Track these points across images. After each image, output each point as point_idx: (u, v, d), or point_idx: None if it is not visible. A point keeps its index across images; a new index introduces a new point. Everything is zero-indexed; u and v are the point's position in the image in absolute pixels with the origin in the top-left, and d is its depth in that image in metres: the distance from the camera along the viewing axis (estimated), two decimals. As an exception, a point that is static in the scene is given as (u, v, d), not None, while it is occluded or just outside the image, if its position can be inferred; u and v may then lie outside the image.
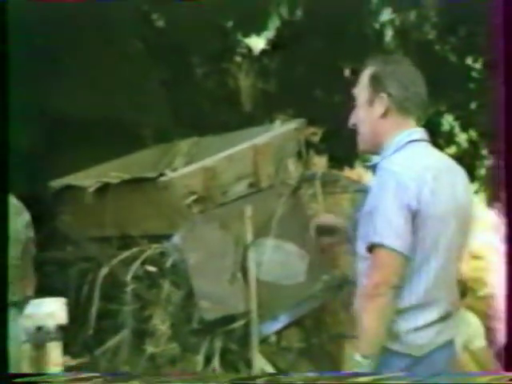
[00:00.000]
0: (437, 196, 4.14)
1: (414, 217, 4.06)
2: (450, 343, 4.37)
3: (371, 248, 4.09)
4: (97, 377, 5.05)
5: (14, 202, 6.44)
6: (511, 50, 5.12)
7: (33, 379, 5.22)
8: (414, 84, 4.28)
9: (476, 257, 11.59)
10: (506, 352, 5.12)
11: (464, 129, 10.88)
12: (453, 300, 4.36)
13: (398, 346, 4.19)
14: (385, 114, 4.26)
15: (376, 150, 4.33)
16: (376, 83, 4.29)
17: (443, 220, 4.15)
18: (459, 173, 4.40)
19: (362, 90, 4.36)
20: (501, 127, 5.12)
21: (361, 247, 4.23)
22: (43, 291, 7.08)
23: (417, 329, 4.20)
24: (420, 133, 4.29)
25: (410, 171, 4.12)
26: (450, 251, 4.22)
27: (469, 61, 10.66)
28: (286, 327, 7.80)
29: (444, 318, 4.26)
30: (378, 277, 4.05)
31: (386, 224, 4.06)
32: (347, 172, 10.36)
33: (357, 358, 4.11)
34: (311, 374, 5.05)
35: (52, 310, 6.95)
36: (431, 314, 4.23)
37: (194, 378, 5.45)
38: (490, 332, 8.25)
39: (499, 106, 5.10)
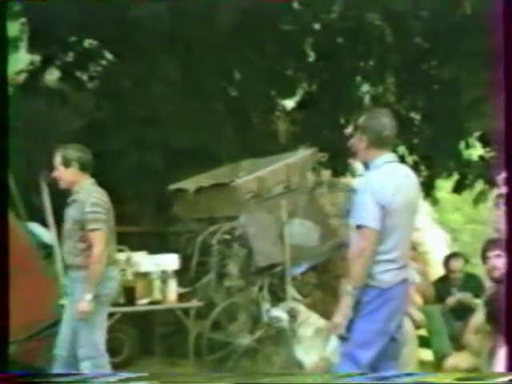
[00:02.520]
0: (396, 197, 5.00)
1: (382, 209, 4.94)
2: (404, 281, 5.12)
3: (358, 227, 5.01)
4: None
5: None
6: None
7: (32, 379, 5.22)
8: (387, 129, 5.10)
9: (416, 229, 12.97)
10: (506, 352, 4.92)
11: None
12: (407, 256, 5.18)
13: (373, 282, 5.02)
14: (367, 148, 5.11)
15: (366, 162, 5.21)
16: (361, 131, 5.13)
17: (399, 211, 5.01)
18: (413, 179, 5.27)
19: (354, 132, 5.20)
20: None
21: (352, 225, 5.08)
22: (166, 250, 8.06)
23: (384, 271, 5.02)
24: (391, 157, 5.15)
25: (382, 181, 5.03)
26: (404, 229, 5.08)
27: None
28: (306, 271, 9.14)
29: (402, 267, 5.09)
30: (362, 244, 4.97)
31: (366, 212, 4.97)
32: (342, 179, 11.75)
33: (349, 289, 4.99)
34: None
35: (171, 261, 7.83)
36: (393, 264, 5.05)
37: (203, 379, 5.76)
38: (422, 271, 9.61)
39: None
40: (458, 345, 7.54)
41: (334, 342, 5.82)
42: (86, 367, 6.15)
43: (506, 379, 4.70)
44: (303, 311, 7.34)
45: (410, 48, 10.39)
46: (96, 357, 6.22)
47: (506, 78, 5.16)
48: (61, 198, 8.02)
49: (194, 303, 7.76)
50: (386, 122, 5.19)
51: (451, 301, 8.81)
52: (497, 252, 6.52)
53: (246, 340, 8.31)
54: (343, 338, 5.07)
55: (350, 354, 5.11)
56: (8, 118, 5.39)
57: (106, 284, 6.19)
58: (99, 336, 6.26)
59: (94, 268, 6.09)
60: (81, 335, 6.21)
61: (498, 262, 6.49)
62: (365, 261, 4.99)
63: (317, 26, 10.79)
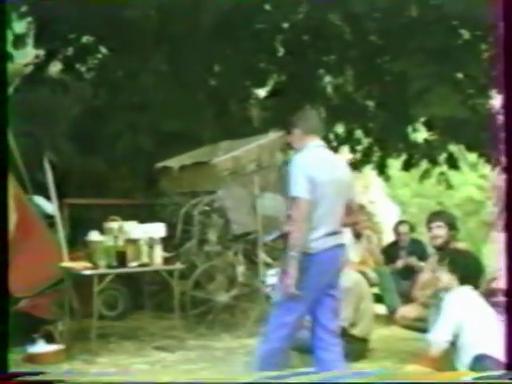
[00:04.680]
0: (321, 172, 5.05)
1: (310, 181, 4.96)
2: (335, 246, 5.12)
3: (293, 198, 5.04)
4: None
5: None
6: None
7: (33, 379, 5.00)
8: (313, 122, 5.33)
9: (372, 202, 13.12)
10: (506, 351, 4.71)
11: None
12: (338, 225, 5.14)
13: (305, 248, 4.99)
14: (299, 137, 5.28)
15: (302, 148, 5.25)
16: (294, 126, 5.32)
17: (325, 185, 5.02)
18: (339, 161, 5.50)
19: (289, 129, 5.37)
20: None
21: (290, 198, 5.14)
22: (154, 219, 7.92)
23: (313, 239, 5.00)
24: (319, 143, 5.27)
25: (308, 158, 5.13)
26: (332, 201, 5.07)
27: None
28: (275, 238, 8.54)
29: (330, 234, 5.07)
30: (297, 213, 4.96)
31: (297, 185, 5.01)
32: None
33: (291, 253, 4.91)
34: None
35: (157, 229, 7.58)
36: (321, 232, 5.02)
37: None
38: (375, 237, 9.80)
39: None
40: (406, 300, 7.58)
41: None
42: None
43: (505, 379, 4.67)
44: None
45: (366, 45, 10.42)
46: None
47: (505, 78, 4.88)
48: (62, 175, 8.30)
49: (178, 266, 7.70)
50: (312, 117, 5.45)
51: (400, 263, 9.02)
52: (438, 223, 6.56)
53: (223, 297, 8.33)
54: (296, 296, 5.02)
55: (273, 314, 5.22)
56: (7, 109, 5.14)
57: None
58: None
59: None
60: None
61: (440, 231, 6.47)
62: (301, 226, 4.96)
63: (285, 25, 10.81)
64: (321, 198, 5.03)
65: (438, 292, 5.71)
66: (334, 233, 5.15)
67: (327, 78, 11.39)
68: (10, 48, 8.17)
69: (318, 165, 5.12)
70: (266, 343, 5.23)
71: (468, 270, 5.48)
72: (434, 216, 6.72)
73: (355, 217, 5.72)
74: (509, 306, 4.81)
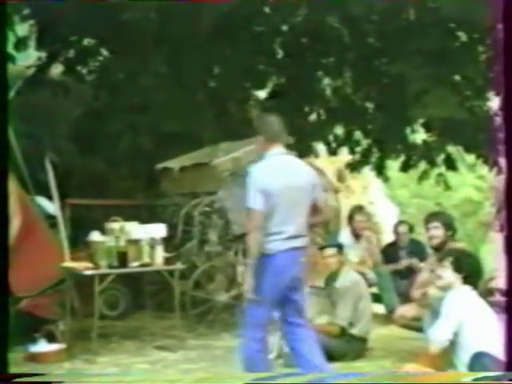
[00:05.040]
0: (274, 181, 5.17)
1: (263, 192, 5.13)
2: (294, 249, 5.24)
3: (247, 209, 5.27)
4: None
5: None
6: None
7: (32, 379, 4.97)
8: (274, 129, 5.35)
9: (371, 203, 13.10)
10: (506, 352, 4.71)
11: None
12: (300, 228, 5.26)
13: (263, 250, 5.15)
14: (262, 144, 5.36)
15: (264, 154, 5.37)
16: (257, 131, 5.39)
17: (280, 193, 5.16)
18: (298, 167, 5.43)
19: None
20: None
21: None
22: (155, 220, 7.92)
23: (270, 242, 5.15)
24: (280, 150, 5.35)
25: (263, 172, 5.24)
26: (289, 207, 5.19)
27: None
28: None
29: (290, 237, 5.20)
30: (249, 223, 5.25)
31: (252, 197, 5.22)
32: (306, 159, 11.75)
33: (248, 261, 5.22)
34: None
35: (158, 230, 7.55)
36: (279, 236, 5.15)
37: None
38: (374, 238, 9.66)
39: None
40: (404, 300, 7.54)
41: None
42: None
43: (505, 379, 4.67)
44: None
45: (364, 47, 10.42)
46: None
47: (505, 78, 4.87)
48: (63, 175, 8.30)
49: (178, 266, 7.72)
50: (275, 124, 5.44)
51: (403, 263, 9.04)
52: (435, 224, 6.58)
53: (223, 297, 8.34)
54: (256, 301, 5.16)
55: (247, 310, 5.36)
56: (7, 112, 5.03)
57: None
58: None
59: None
60: None
61: (436, 231, 6.51)
62: (255, 236, 5.16)
63: (284, 28, 10.83)
64: (276, 206, 5.19)
65: (436, 292, 5.70)
66: (295, 236, 5.28)
67: (326, 80, 11.38)
68: (12, 50, 8.19)
69: (272, 175, 5.26)
70: (246, 345, 5.38)
71: (472, 269, 5.49)
72: (431, 217, 6.74)
73: (324, 215, 5.75)
74: (509, 306, 4.84)
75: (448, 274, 5.49)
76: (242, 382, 5.08)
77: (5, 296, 4.91)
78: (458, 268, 5.47)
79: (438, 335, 5.25)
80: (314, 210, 5.43)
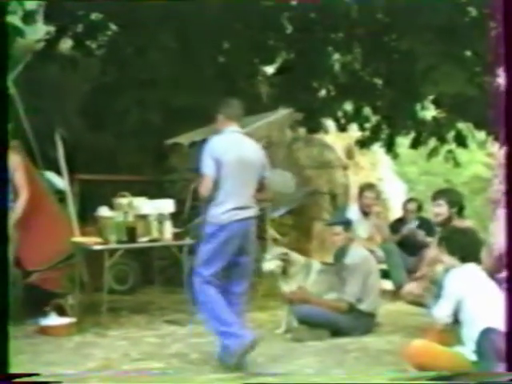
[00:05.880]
0: (227, 153, 5.76)
1: (216, 161, 5.72)
2: (244, 219, 5.81)
3: (201, 174, 5.81)
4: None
5: None
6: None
7: (32, 379, 5.00)
8: (235, 110, 6.06)
9: (380, 179, 13.06)
10: (506, 352, 4.73)
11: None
12: (248, 199, 5.87)
13: (213, 219, 5.83)
14: (221, 122, 6.04)
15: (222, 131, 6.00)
16: (219, 110, 6.05)
17: (231, 165, 5.76)
18: (250, 145, 6.02)
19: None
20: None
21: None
22: (164, 195, 8.06)
23: (222, 212, 5.76)
24: (236, 129, 6.00)
25: (216, 142, 5.86)
26: (240, 179, 5.79)
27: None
28: (283, 214, 9.47)
29: (240, 208, 5.78)
30: (203, 187, 5.81)
31: (205, 163, 5.77)
32: (315, 135, 11.77)
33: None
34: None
35: (167, 205, 7.71)
36: (230, 206, 5.76)
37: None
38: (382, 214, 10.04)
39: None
40: (412, 276, 7.65)
41: None
42: None
43: (505, 379, 4.74)
44: (290, 253, 7.29)
45: (373, 22, 10.31)
46: None
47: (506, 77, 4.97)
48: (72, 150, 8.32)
49: (187, 241, 7.79)
50: (234, 105, 6.13)
51: (407, 231, 9.05)
52: (440, 201, 6.62)
53: (232, 272, 8.40)
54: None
55: (196, 271, 5.94)
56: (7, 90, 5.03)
57: None
58: None
59: None
60: None
61: (440, 209, 6.56)
62: (205, 197, 5.84)
63: (293, 2, 10.72)
64: (227, 176, 5.77)
65: (442, 269, 5.71)
66: (244, 207, 5.85)
67: (335, 56, 11.26)
68: (20, 23, 8.17)
69: (225, 147, 5.85)
70: (200, 294, 5.91)
71: (466, 250, 5.45)
72: (437, 194, 6.78)
73: (267, 194, 6.28)
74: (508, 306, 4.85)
75: (446, 257, 5.51)
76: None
77: (5, 297, 4.92)
78: (451, 250, 5.47)
79: (438, 312, 5.31)
80: (259, 187, 6.04)
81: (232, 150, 5.85)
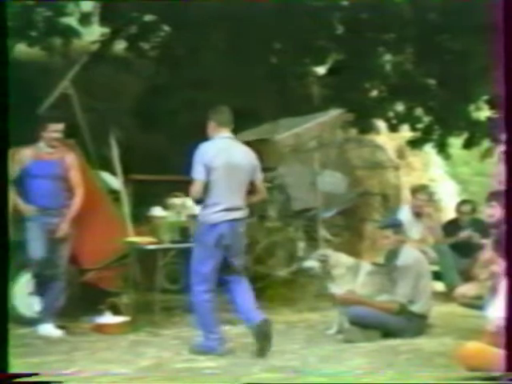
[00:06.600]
0: (216, 159, 6.05)
1: (205, 166, 6.04)
2: (233, 220, 6.11)
3: (192, 178, 6.14)
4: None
5: None
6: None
7: (32, 379, 4.97)
8: (225, 116, 6.30)
9: (432, 180, 12.95)
10: (506, 352, 4.73)
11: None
12: (238, 201, 6.13)
13: (204, 219, 6.14)
14: (212, 128, 6.27)
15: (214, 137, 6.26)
16: (210, 117, 6.29)
17: (220, 169, 6.05)
18: (241, 150, 6.30)
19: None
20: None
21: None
22: None
23: (212, 213, 6.08)
24: (227, 134, 6.27)
25: (206, 148, 6.13)
26: (229, 183, 6.08)
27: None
28: (335, 215, 9.31)
29: (228, 209, 6.07)
30: (194, 191, 6.17)
31: (196, 169, 6.10)
32: (366, 136, 11.89)
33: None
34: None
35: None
36: (219, 207, 6.06)
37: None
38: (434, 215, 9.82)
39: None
40: (465, 278, 7.65)
41: None
42: None
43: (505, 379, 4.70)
44: (332, 254, 7.29)
45: (425, 23, 10.28)
46: None
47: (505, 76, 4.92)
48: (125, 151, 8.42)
49: (239, 241, 7.81)
50: (224, 112, 6.34)
51: (464, 235, 8.98)
52: (492, 202, 6.59)
53: (283, 272, 8.48)
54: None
55: (193, 270, 6.31)
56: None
57: None
58: None
59: None
60: None
61: (492, 210, 6.56)
62: (195, 200, 6.33)
63: (344, 3, 10.70)
64: (216, 180, 6.06)
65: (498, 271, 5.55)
66: (233, 208, 6.13)
67: (387, 56, 11.28)
68: (77, 25, 8.31)
69: (216, 153, 6.12)
70: (196, 297, 6.33)
71: None
72: (490, 196, 6.76)
73: (261, 195, 6.52)
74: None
75: (500, 259, 5.38)
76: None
77: (4, 296, 4.95)
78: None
79: (493, 314, 5.20)
80: (253, 189, 6.32)
81: (221, 155, 6.12)
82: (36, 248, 6.89)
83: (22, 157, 7.01)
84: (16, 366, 5.52)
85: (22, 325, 7.13)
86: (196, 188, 6.12)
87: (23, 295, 7.24)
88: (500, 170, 5.79)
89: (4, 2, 4.85)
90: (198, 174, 6.10)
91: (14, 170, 6.86)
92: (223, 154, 6.14)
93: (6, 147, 4.74)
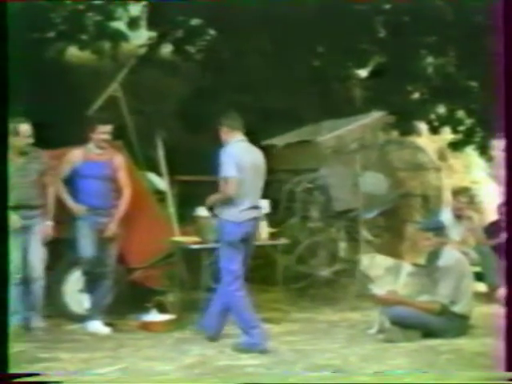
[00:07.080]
0: (243, 159, 6.29)
1: (237, 166, 6.23)
2: (254, 218, 6.44)
3: (224, 178, 6.28)
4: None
5: None
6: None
7: (32, 379, 4.93)
8: (237, 121, 6.55)
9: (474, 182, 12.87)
10: (506, 352, 4.75)
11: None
12: (257, 199, 6.49)
13: (232, 218, 6.31)
14: (225, 134, 6.48)
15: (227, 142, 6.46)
16: (222, 123, 6.52)
17: (247, 169, 6.29)
18: (256, 152, 6.54)
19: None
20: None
21: (222, 179, 6.34)
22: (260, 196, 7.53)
23: (239, 211, 6.30)
24: (241, 138, 6.50)
25: (236, 150, 6.32)
26: (252, 182, 6.36)
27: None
28: (376, 216, 9.22)
29: (251, 208, 6.37)
30: (231, 189, 6.26)
31: (228, 168, 6.25)
32: (408, 137, 11.64)
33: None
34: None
35: (263, 205, 7.17)
36: (244, 206, 6.31)
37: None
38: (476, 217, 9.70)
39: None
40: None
41: None
42: None
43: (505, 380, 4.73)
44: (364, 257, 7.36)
45: (468, 25, 10.20)
46: None
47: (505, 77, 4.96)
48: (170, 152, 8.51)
49: (282, 241, 7.86)
50: (236, 117, 6.60)
51: (503, 238, 8.90)
52: None
53: (325, 272, 8.50)
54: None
55: (223, 269, 6.44)
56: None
57: None
58: None
59: None
60: None
61: None
62: (232, 198, 6.30)
63: (387, 6, 10.76)
64: (244, 179, 6.28)
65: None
66: (255, 207, 6.46)
67: (429, 59, 11.25)
68: (125, 29, 8.41)
69: (241, 153, 6.38)
70: (229, 296, 6.46)
71: None
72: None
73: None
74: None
75: None
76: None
77: (4, 297, 4.97)
78: None
79: None
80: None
81: (246, 155, 6.41)
82: (86, 246, 7.01)
83: (72, 157, 7.12)
84: (64, 360, 5.87)
85: (71, 321, 7.29)
86: (233, 186, 6.28)
87: (74, 292, 7.36)
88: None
89: (5, 4, 4.80)
90: (233, 172, 6.27)
91: (64, 170, 7.06)
92: (247, 154, 6.44)
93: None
